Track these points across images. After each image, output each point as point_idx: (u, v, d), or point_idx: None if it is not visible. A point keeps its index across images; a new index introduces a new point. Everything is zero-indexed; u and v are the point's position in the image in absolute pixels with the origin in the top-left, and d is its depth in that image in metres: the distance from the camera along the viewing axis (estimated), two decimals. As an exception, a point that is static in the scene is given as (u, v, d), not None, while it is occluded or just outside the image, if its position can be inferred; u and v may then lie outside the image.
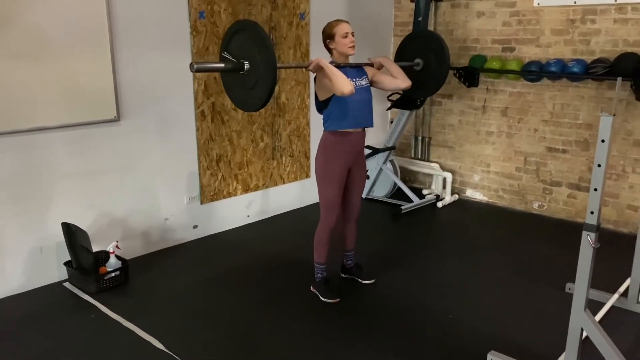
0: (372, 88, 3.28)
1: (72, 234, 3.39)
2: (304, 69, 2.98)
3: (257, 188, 4.69)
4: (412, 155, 5.89)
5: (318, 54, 4.98)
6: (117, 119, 3.65)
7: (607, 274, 3.51)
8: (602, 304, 3.22)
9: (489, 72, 4.99)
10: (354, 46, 3.11)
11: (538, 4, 4.72)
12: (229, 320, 3.09)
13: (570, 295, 2.29)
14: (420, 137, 5.79)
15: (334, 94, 3.01)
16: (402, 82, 3.26)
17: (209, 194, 4.33)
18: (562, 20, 4.61)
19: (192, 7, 3.91)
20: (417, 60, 3.60)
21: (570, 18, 4.57)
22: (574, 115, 4.69)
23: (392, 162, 5.43)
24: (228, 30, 2.81)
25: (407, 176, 5.87)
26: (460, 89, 5.34)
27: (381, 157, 5.26)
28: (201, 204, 4.30)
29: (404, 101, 4.96)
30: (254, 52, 2.64)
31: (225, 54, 2.75)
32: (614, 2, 4.31)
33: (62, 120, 3.40)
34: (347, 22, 3.14)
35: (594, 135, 4.54)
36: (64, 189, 3.50)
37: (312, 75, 4.89)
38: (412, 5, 5.09)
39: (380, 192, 5.43)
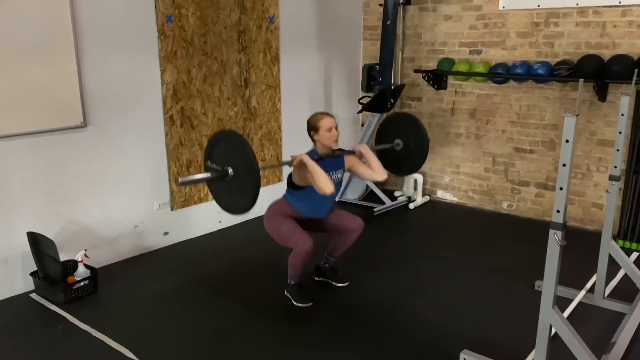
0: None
1: (39, 244, 3.30)
2: (288, 165, 3.11)
3: (228, 193, 4.64)
4: (384, 158, 5.92)
5: (288, 57, 4.98)
6: (83, 125, 3.57)
7: (574, 271, 3.58)
8: (570, 300, 3.29)
9: (456, 74, 5.07)
10: (337, 140, 3.21)
11: (503, 7, 4.81)
12: (202, 328, 3.06)
13: (540, 293, 2.33)
14: (391, 140, 5.82)
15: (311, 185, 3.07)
16: (378, 174, 3.37)
17: (179, 200, 4.27)
18: (527, 23, 4.71)
19: (160, 11, 3.86)
20: (397, 141, 3.75)
21: (534, 21, 4.67)
22: (539, 116, 4.79)
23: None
24: (209, 140, 2.89)
25: (379, 178, 5.90)
26: (429, 92, 5.40)
27: (353, 160, 5.27)
28: (172, 210, 4.24)
29: (375, 104, 4.99)
30: (236, 158, 2.72)
31: (209, 164, 2.81)
32: (575, 5, 4.43)
33: (26, 128, 3.30)
34: (332, 116, 3.24)
35: (560, 135, 4.62)
36: (29, 197, 3.41)
37: (283, 81, 4.89)
38: (381, 9, 5.13)
39: (352, 195, 5.44)
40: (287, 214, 3.28)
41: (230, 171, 2.72)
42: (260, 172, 2.68)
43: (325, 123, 3.17)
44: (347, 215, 3.46)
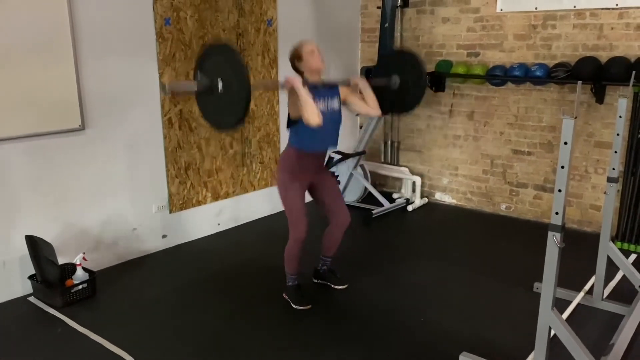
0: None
1: (37, 247, 3.30)
2: (280, 88, 3.06)
3: (227, 195, 4.65)
4: (382, 160, 5.93)
5: (286, 60, 4.97)
6: (82, 127, 3.57)
7: (573, 273, 3.59)
8: (569, 302, 3.29)
9: (455, 77, 5.08)
10: (323, 60, 3.15)
11: (501, 9, 4.83)
12: (200, 331, 3.05)
13: (539, 295, 2.33)
14: (389, 142, 5.83)
15: None
16: (373, 110, 3.32)
17: (177, 203, 4.27)
18: (524, 25, 4.72)
19: (158, 13, 3.86)
20: (394, 78, 3.67)
21: (532, 23, 4.68)
22: (537, 118, 4.80)
23: (362, 167, 5.46)
24: (203, 50, 2.82)
25: (378, 180, 5.91)
26: (427, 94, 5.38)
27: (351, 162, 5.28)
28: (170, 212, 4.23)
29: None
30: (227, 71, 2.66)
31: (199, 76, 2.74)
32: (573, 7, 4.44)
33: (24, 130, 3.30)
34: (311, 40, 3.19)
35: (557, 137, 4.65)
36: (27, 201, 3.40)
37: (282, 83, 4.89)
38: (379, 11, 5.14)
39: (351, 197, 5.45)
40: (296, 167, 3.19)
41: (220, 85, 2.66)
42: (251, 92, 2.61)
43: (306, 47, 3.11)
44: (342, 204, 3.42)
